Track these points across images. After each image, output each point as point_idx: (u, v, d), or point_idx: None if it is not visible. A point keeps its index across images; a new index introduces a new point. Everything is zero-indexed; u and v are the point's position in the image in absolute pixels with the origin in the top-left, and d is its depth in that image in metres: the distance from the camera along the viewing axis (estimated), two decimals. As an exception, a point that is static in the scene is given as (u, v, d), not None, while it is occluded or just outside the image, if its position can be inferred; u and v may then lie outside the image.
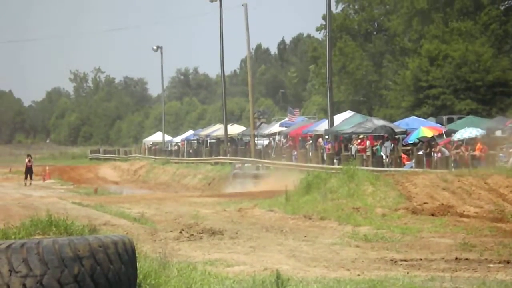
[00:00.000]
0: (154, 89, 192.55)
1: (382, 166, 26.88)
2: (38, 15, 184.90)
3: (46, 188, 34.89)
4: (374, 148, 30.00)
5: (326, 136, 34.71)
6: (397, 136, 30.88)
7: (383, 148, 29.13)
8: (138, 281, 6.42)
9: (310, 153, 34.72)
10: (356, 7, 56.80)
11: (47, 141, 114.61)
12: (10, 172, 48.71)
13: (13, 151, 77.08)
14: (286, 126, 42.35)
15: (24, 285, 5.59)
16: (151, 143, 64.15)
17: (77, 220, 12.35)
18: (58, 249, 5.71)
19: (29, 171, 36.90)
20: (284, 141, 42.53)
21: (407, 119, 34.76)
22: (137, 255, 6.58)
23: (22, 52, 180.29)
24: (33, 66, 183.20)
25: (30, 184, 35.88)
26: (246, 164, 36.28)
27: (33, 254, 5.66)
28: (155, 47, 59.28)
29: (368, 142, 30.86)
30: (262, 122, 46.56)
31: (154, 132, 71.53)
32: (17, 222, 12.06)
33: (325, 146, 34.00)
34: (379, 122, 32.18)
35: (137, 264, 6.47)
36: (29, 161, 37.22)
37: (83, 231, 10.75)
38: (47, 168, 44.68)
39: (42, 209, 13.85)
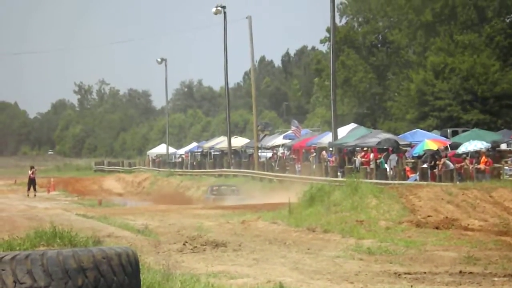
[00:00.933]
0: (158, 101, 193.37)
1: (386, 179, 26.83)
2: (43, 28, 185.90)
3: (51, 199, 34.94)
4: (378, 161, 29.97)
5: (330, 149, 34.72)
6: (402, 149, 30.85)
7: (388, 161, 29.09)
8: (141, 293, 6.43)
9: (314, 166, 34.71)
10: (360, 19, 56.97)
11: (49, 152, 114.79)
12: (15, 183, 48.83)
13: (18, 163, 77.27)
14: (289, 139, 42.39)
15: (28, 296, 5.60)
16: (155, 155, 64.26)
17: (81, 231, 12.37)
18: (62, 261, 5.73)
19: (32, 183, 36.87)
20: (288, 153, 42.55)
21: (411, 132, 34.76)
22: (140, 267, 6.60)
23: (27, 64, 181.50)
24: (38, 78, 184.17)
25: (35, 195, 35.85)
26: (222, 187, 34.72)
27: (38, 265, 5.68)
28: (159, 59, 59.48)
29: (372, 155, 30.84)
30: (265, 135, 46.60)
31: (158, 144, 71.66)
32: (22, 233, 12.09)
33: (329, 158, 34.01)
34: (384, 135, 32.17)
35: (141, 276, 6.48)
36: (32, 172, 37.26)
37: (87, 243, 10.78)
38: (52, 179, 44.78)
39: (46, 221, 13.87)
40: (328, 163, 33.37)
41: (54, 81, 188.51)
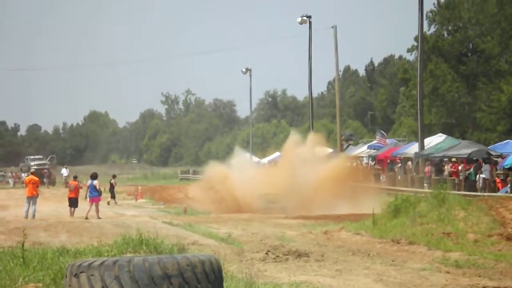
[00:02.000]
0: (243, 111, 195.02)
1: (475, 190, 26.02)
2: (132, 39, 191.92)
3: (138, 207, 35.86)
4: (467, 172, 29.09)
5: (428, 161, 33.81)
6: (492, 160, 29.84)
7: (480, 173, 28.17)
8: (224, 300, 6.49)
9: (399, 176, 34.09)
10: (449, 27, 55.63)
11: (134, 161, 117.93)
12: (104, 191, 50.35)
13: (107, 171, 79.83)
14: (374, 149, 41.84)
15: (116, 301, 5.75)
16: (239, 164, 64.79)
17: (167, 239, 12.64)
18: (148, 267, 5.86)
19: (111, 191, 36.87)
20: (372, 163, 42.00)
21: (502, 143, 33.58)
22: (223, 275, 6.67)
23: (117, 75, 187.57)
24: (127, 88, 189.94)
25: (116, 203, 36.54)
26: (269, 195, 33.95)
27: (125, 271, 5.82)
28: (244, 70, 60.11)
29: (461, 166, 29.98)
30: (349, 144, 46.20)
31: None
32: (110, 240, 12.48)
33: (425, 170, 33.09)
34: (473, 146, 31.23)
35: (224, 284, 6.54)
36: (114, 182, 37.83)
37: (172, 250, 11.00)
38: (139, 188, 45.90)
39: (133, 228, 14.25)
40: (418, 174, 32.61)
41: (143, 91, 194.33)
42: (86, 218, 22.88)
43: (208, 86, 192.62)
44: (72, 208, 25.62)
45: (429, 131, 42.52)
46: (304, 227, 20.22)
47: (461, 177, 28.71)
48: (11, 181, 57.15)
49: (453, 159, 30.84)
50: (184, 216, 28.43)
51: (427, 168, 32.31)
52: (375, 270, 11.45)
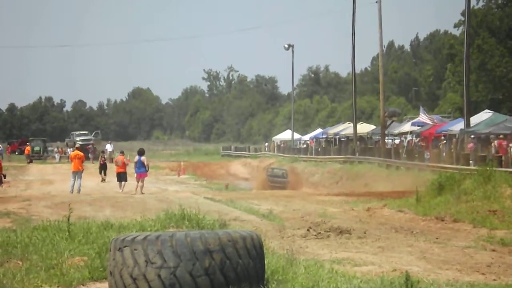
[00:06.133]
0: (285, 87, 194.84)
1: (523, 168, 25.40)
2: (174, 16, 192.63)
3: (181, 183, 36.23)
4: (514, 149, 28.48)
5: (472, 136, 33.23)
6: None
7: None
8: (266, 276, 6.50)
9: (444, 154, 33.55)
10: (499, 1, 54.13)
11: (183, 137, 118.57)
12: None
13: (151, 147, 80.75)
14: (418, 125, 41.21)
15: (159, 276, 5.83)
16: (279, 141, 64.87)
17: (208, 214, 12.73)
18: (190, 242, 5.90)
19: (103, 167, 32.89)
20: (416, 140, 41.44)
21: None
22: (265, 251, 6.66)
23: (160, 51, 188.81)
24: (170, 65, 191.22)
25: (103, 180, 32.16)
26: (275, 170, 39.48)
27: (167, 246, 5.88)
28: (286, 46, 59.67)
29: (507, 143, 29.34)
30: (393, 121, 45.64)
31: (284, 130, 72.26)
32: (153, 215, 12.63)
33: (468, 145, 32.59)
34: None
35: (265, 260, 6.54)
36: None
37: (213, 226, 11.07)
38: (182, 163, 46.35)
39: (176, 203, 14.39)
40: (459, 150, 32.08)
41: (185, 68, 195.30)
42: (136, 193, 23.24)
43: (250, 62, 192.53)
44: (123, 183, 25.94)
45: (476, 108, 41.66)
46: (346, 204, 20.12)
47: (508, 154, 28.08)
48: (57, 156, 58.25)
49: (501, 136, 30.20)
50: (226, 192, 28.61)
51: (470, 145, 31.73)
52: (418, 247, 11.33)
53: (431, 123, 39.20)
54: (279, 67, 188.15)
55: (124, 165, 26.57)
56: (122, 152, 28.55)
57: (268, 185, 35.50)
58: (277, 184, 35.57)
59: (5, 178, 23.41)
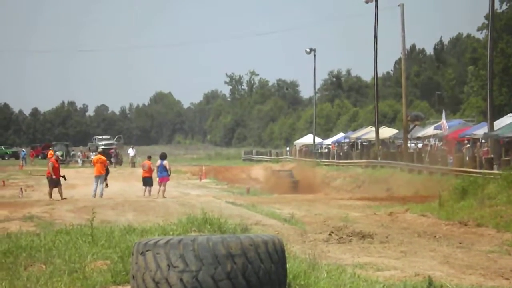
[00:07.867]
0: (306, 92, 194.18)
1: (547, 172, 25.08)
2: (197, 20, 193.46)
3: (202, 187, 36.31)
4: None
5: (483, 141, 33.08)
6: None
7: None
8: (287, 281, 6.49)
9: (467, 158, 33.24)
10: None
11: (204, 141, 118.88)
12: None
13: (172, 151, 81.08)
14: (441, 129, 40.86)
15: (181, 280, 5.84)
16: (301, 145, 64.73)
17: (230, 218, 12.74)
18: (212, 246, 5.91)
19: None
20: (439, 144, 41.11)
21: None
22: (286, 255, 6.66)
23: (181, 56, 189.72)
24: (191, 69, 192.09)
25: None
26: (281, 172, 41.42)
27: (189, 250, 5.90)
28: (308, 50, 59.53)
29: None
30: (415, 125, 45.32)
31: (305, 134, 72.12)
32: (175, 219, 12.67)
33: (482, 150, 32.41)
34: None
35: (287, 264, 6.54)
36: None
37: (235, 230, 11.08)
38: (204, 168, 46.43)
39: (198, 207, 14.43)
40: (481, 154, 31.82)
41: (207, 72, 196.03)
42: (158, 197, 23.33)
43: (272, 67, 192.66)
44: (148, 187, 25.90)
45: (499, 112, 41.24)
46: (368, 208, 20.03)
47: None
48: (80, 160, 58.72)
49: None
50: (247, 196, 28.61)
51: (485, 149, 31.51)
52: (441, 252, 11.24)
53: (442, 130, 39.00)
54: (300, 71, 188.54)
55: (151, 170, 26.62)
56: (149, 157, 28.54)
57: (277, 185, 36.78)
58: (286, 183, 37.19)
59: (65, 179, 23.60)
